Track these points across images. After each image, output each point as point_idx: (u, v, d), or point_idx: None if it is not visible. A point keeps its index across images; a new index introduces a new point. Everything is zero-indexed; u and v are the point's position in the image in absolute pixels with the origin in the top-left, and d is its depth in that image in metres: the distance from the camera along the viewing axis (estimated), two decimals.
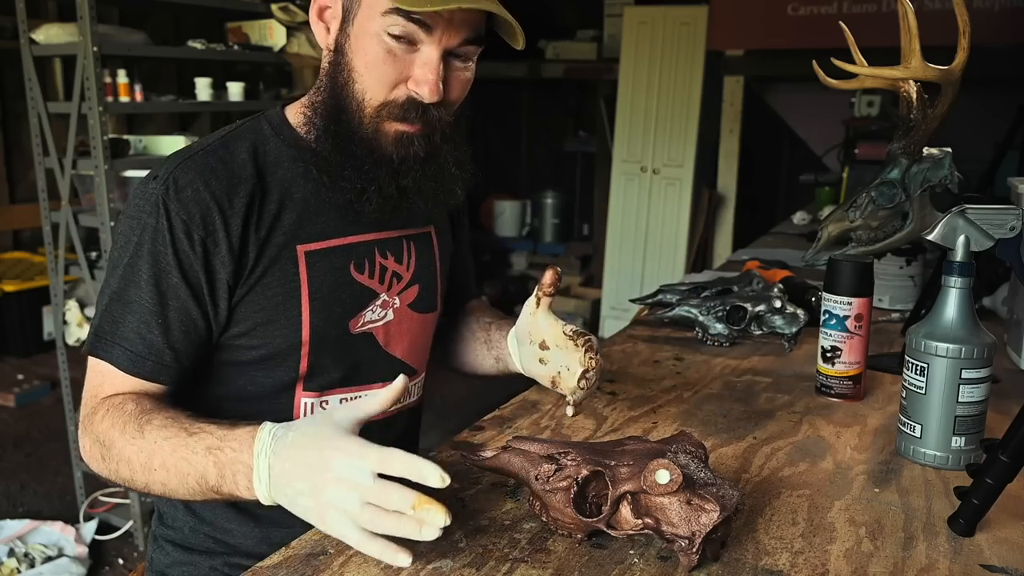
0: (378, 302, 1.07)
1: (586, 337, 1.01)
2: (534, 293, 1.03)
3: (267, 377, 1.03)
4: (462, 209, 1.26)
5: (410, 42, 0.93)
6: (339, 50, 0.97)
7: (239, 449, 0.82)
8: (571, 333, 1.01)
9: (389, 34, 0.92)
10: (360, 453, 0.75)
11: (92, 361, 0.97)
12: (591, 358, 1.00)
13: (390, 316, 1.09)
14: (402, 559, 0.73)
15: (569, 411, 1.03)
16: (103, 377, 0.96)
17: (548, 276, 1.01)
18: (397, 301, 1.09)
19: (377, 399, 0.81)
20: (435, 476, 0.73)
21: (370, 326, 1.07)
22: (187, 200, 0.95)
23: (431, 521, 0.72)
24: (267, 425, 0.83)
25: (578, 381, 1.00)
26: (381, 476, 0.74)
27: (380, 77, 0.95)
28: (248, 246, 0.98)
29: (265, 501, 0.81)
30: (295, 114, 1.05)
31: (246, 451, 0.82)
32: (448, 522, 0.72)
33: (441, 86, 0.94)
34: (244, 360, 1.02)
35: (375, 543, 0.74)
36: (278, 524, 1.07)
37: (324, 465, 0.76)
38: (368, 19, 0.94)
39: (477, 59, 1.00)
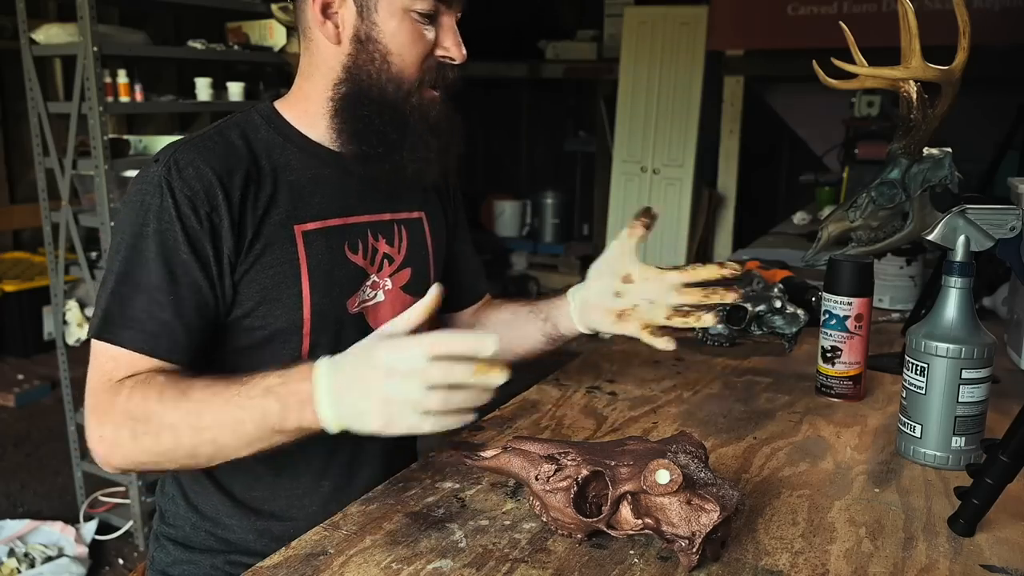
0: (368, 283, 1.10)
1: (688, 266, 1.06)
2: (629, 227, 1.08)
3: (271, 360, 1.03)
4: (456, 197, 1.28)
5: (432, 17, 1.02)
6: (367, 39, 1.02)
7: (300, 380, 0.85)
8: (665, 267, 1.06)
9: (418, 12, 1.01)
10: (408, 343, 0.80)
11: (100, 346, 0.95)
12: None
13: (380, 297, 1.11)
14: (470, 417, 0.82)
15: (664, 343, 1.06)
16: (115, 361, 0.94)
17: (645, 213, 1.07)
18: (389, 283, 1.12)
19: (412, 313, 0.84)
20: (490, 343, 0.79)
21: (365, 306, 1.09)
22: (190, 177, 0.96)
23: (492, 382, 0.80)
24: (323, 360, 0.86)
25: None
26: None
27: (417, 53, 1.03)
28: (247, 222, 0.99)
29: (332, 426, 0.84)
30: (289, 108, 1.08)
31: (306, 380, 0.84)
32: (508, 378, 0.80)
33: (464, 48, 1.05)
34: (248, 344, 1.03)
35: (447, 419, 0.81)
36: (279, 518, 1.08)
37: (373, 364, 0.81)
38: (393, 3, 1.00)
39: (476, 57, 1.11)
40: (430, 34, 1.03)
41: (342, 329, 1.06)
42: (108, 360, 0.94)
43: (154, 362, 0.95)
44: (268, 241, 1.00)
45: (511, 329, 1.23)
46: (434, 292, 0.84)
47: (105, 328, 0.95)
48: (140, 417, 0.89)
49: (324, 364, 0.85)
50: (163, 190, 0.95)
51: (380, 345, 0.82)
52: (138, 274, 0.95)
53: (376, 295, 1.11)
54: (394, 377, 0.79)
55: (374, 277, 1.10)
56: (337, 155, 1.07)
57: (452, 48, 1.04)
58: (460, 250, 1.29)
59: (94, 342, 0.96)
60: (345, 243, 1.07)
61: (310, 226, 1.04)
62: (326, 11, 1.02)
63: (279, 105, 1.09)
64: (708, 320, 1.04)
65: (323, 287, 1.04)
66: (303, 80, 1.08)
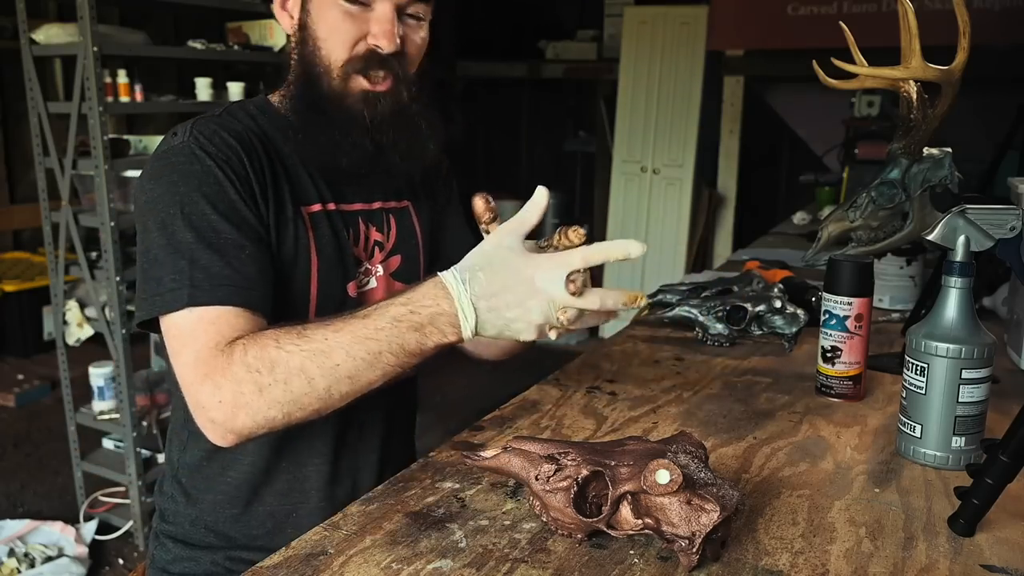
0: (361, 269, 1.12)
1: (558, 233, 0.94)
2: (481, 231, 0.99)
3: None
4: (448, 184, 1.29)
5: (364, 4, 1.02)
6: (303, 27, 1.05)
7: (434, 304, 0.88)
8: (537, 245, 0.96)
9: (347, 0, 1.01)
10: (560, 262, 0.88)
11: (191, 316, 0.92)
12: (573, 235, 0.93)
13: (372, 283, 1.13)
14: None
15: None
16: (215, 325, 0.92)
17: (479, 205, 0.98)
18: (380, 270, 1.14)
19: (528, 212, 0.91)
20: (636, 247, 0.87)
21: (361, 291, 1.11)
22: (220, 144, 0.99)
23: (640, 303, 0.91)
24: (446, 275, 0.89)
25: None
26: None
27: (341, 38, 1.02)
28: (268, 192, 1.01)
29: (468, 337, 0.90)
30: (277, 99, 1.12)
31: (444, 303, 0.88)
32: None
33: (398, 38, 1.02)
34: None
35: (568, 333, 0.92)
36: (280, 502, 1.10)
37: (534, 289, 0.87)
38: None
39: (431, 23, 1.08)
40: (361, 20, 1.02)
41: (343, 312, 1.07)
42: (208, 326, 0.91)
43: (250, 317, 0.94)
44: (281, 218, 1.02)
45: None
46: (543, 191, 0.92)
47: (196, 295, 0.92)
48: (264, 367, 0.88)
49: (458, 286, 0.88)
50: (199, 156, 0.97)
51: (529, 264, 0.88)
52: (208, 237, 0.94)
53: (369, 281, 1.13)
54: (555, 307, 0.87)
55: (366, 264, 1.13)
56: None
57: (379, 36, 1.01)
58: (453, 233, 1.30)
59: (178, 317, 0.92)
60: (343, 228, 1.09)
61: (314, 208, 1.06)
62: (284, 4, 1.08)
63: (272, 96, 1.13)
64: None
65: (328, 269, 1.06)
66: (289, 72, 1.12)
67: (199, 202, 0.95)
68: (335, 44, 1.03)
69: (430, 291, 0.89)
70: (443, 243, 1.27)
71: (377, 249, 1.14)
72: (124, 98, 2.86)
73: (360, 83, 1.04)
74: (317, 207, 1.06)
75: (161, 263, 0.94)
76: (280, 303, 1.01)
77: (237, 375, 0.88)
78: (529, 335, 0.89)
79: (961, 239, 0.98)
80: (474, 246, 1.32)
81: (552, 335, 0.91)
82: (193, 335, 0.92)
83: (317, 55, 1.04)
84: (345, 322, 0.90)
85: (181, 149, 0.97)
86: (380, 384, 0.92)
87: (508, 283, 0.88)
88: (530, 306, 0.87)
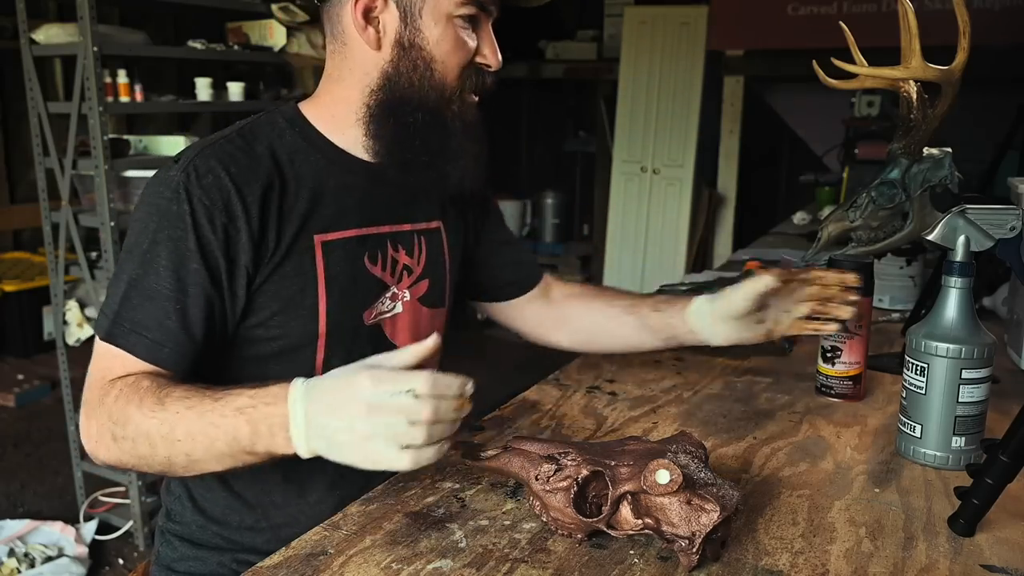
0: (388, 294, 1.09)
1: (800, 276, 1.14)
2: (764, 281, 1.11)
3: (284, 372, 1.02)
4: (487, 201, 1.27)
5: (474, 22, 1.02)
6: (410, 45, 1.00)
7: (273, 402, 0.82)
8: (790, 274, 1.13)
9: (461, 18, 1.00)
10: (396, 379, 0.78)
11: (104, 346, 0.95)
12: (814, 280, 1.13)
13: (399, 309, 1.10)
14: (446, 447, 0.79)
15: (834, 327, 1.14)
16: (115, 361, 0.93)
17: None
18: (407, 294, 1.11)
19: (406, 352, 0.82)
20: (470, 384, 0.80)
21: (381, 318, 1.08)
22: (209, 186, 0.94)
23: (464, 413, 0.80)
24: (300, 379, 0.83)
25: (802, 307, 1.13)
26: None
27: (460, 59, 1.02)
28: (268, 233, 0.98)
29: (304, 451, 0.82)
30: (316, 111, 1.06)
31: (281, 403, 0.82)
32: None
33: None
34: (262, 354, 1.02)
35: (429, 452, 0.78)
36: (290, 525, 1.07)
37: (356, 397, 0.78)
38: (439, 8, 0.99)
39: None
40: (472, 41, 1.02)
41: (356, 341, 1.05)
42: (111, 359, 0.94)
43: (154, 368, 0.94)
44: (287, 252, 0.99)
45: (600, 326, 1.26)
46: (431, 342, 0.82)
47: (113, 331, 0.94)
48: (119, 421, 0.89)
49: (300, 388, 0.82)
50: (180, 196, 0.94)
51: (364, 375, 0.79)
52: (149, 280, 0.94)
53: (395, 307, 1.09)
54: (378, 413, 0.77)
55: (393, 288, 1.09)
56: (361, 163, 1.05)
57: (490, 56, 1.04)
58: (508, 244, 1.30)
59: (99, 343, 0.95)
60: (365, 254, 1.05)
61: (330, 236, 1.02)
62: (367, 16, 0.99)
63: (304, 107, 1.07)
64: (831, 329, 1.14)
65: (340, 298, 1.03)
66: (332, 84, 1.05)
67: (160, 243, 0.94)
68: (453, 65, 1.02)
69: (278, 392, 0.83)
70: (483, 259, 1.25)
71: (406, 274, 1.10)
72: (124, 98, 2.86)
73: (470, 98, 1.05)
74: (333, 235, 1.02)
75: (113, 288, 0.97)
76: (287, 334, 1.01)
77: (101, 420, 0.91)
78: (358, 455, 0.79)
79: (961, 239, 0.98)
80: (518, 258, 1.32)
81: (405, 461, 0.78)
82: (97, 359, 0.95)
83: (431, 77, 1.01)
84: (202, 398, 0.87)
85: (170, 183, 0.95)
86: (226, 471, 0.89)
87: (340, 396, 0.80)
88: (352, 414, 0.78)
